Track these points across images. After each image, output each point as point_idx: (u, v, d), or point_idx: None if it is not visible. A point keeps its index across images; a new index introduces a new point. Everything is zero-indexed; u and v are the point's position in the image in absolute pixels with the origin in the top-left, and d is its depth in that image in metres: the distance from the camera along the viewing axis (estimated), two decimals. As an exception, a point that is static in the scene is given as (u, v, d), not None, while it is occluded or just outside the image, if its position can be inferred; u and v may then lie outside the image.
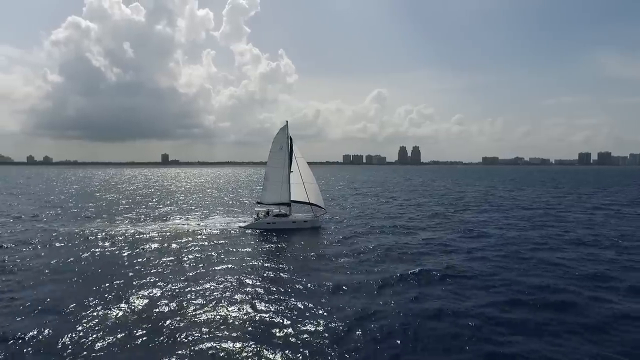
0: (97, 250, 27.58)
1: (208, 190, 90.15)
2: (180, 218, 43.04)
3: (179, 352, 13.40)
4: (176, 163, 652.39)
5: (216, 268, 23.24)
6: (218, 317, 16.17)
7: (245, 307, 17.26)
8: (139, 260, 24.86)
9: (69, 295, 18.57)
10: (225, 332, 14.86)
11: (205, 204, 58.70)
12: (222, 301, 17.89)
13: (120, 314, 16.46)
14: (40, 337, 14.39)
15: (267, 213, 37.94)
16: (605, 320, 16.09)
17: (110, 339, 14.23)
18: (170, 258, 25.29)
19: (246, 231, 35.20)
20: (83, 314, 16.35)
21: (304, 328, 15.20)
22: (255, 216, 38.21)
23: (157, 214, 47.12)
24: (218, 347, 13.73)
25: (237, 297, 18.50)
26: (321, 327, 15.25)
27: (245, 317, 16.19)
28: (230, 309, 17.04)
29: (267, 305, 17.56)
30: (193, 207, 54.29)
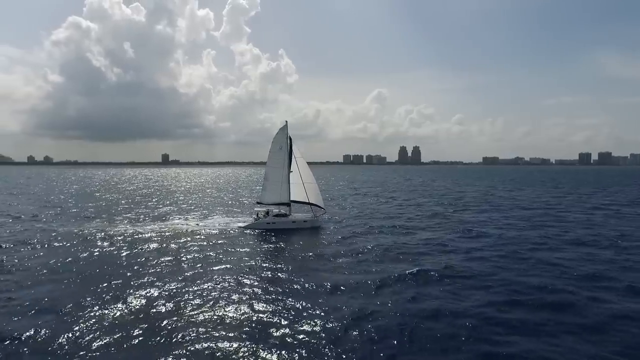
0: (95, 250, 27.60)
1: (208, 191, 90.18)
2: (180, 218, 43.05)
3: (177, 352, 13.39)
4: (176, 163, 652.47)
5: (214, 268, 23.24)
6: (215, 317, 16.17)
7: (242, 307, 17.26)
8: (137, 260, 24.86)
9: (66, 295, 18.58)
10: (223, 332, 14.86)
11: (205, 204, 58.72)
12: (220, 301, 17.89)
13: (118, 314, 16.46)
14: (37, 337, 14.39)
15: (267, 213, 37.95)
16: (603, 320, 16.07)
17: (108, 339, 14.23)
18: (169, 258, 25.29)
19: (246, 231, 35.20)
20: (80, 314, 16.35)
21: (301, 328, 15.19)
22: (255, 216, 38.21)
23: (156, 214, 47.14)
24: (215, 347, 13.73)
25: (235, 297, 18.50)
26: (318, 327, 15.25)
27: (242, 317, 16.19)
28: (227, 309, 17.04)
29: (264, 305, 17.55)
30: (193, 207, 54.31)
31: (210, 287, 19.71)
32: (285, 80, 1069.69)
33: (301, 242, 31.29)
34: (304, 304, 17.57)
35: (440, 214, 47.06)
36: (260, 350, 13.48)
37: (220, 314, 16.49)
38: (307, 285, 20.25)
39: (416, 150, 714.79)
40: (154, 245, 28.94)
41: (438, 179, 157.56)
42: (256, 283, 20.73)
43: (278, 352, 13.40)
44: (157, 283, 20.29)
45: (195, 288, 19.57)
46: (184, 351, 13.44)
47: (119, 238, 31.51)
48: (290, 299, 18.21)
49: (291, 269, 23.40)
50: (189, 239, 31.48)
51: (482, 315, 16.40)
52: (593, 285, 20.22)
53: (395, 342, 14.33)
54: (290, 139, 37.99)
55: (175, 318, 15.99)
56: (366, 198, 70.27)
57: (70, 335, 14.46)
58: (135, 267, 23.20)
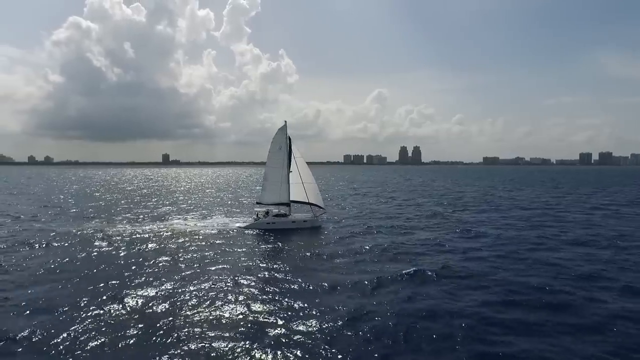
0: (93, 250, 27.62)
1: (208, 191, 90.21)
2: (179, 218, 43.07)
3: (173, 352, 13.40)
4: (177, 163, 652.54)
5: (212, 268, 23.24)
6: (212, 317, 16.18)
7: (239, 307, 17.27)
8: (135, 260, 24.87)
9: (63, 295, 18.59)
10: (219, 332, 14.86)
11: (204, 204, 58.73)
12: (217, 301, 17.89)
13: (115, 314, 16.47)
14: (34, 337, 14.39)
15: (267, 213, 37.96)
16: (600, 321, 16.04)
17: (104, 339, 14.24)
18: (167, 258, 25.30)
19: (245, 231, 35.21)
20: (77, 314, 16.36)
21: (297, 328, 15.20)
22: (254, 216, 38.23)
23: (155, 214, 47.15)
24: (211, 347, 13.74)
25: (232, 297, 18.50)
26: (314, 327, 15.25)
27: (239, 317, 16.20)
28: (224, 309, 17.04)
29: (261, 305, 17.56)
30: (192, 208, 54.32)
31: (207, 287, 19.72)
32: (286, 80, 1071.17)
33: (300, 242, 31.29)
34: (300, 303, 17.58)
35: (439, 214, 47.03)
36: (256, 350, 13.49)
37: (217, 314, 16.50)
38: (304, 285, 20.26)
39: (416, 151, 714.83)
40: (152, 246, 28.96)
41: (438, 179, 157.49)
42: (253, 283, 20.74)
43: (273, 352, 13.40)
44: (154, 283, 20.31)
45: (193, 288, 19.58)
46: (180, 351, 13.45)
47: (118, 238, 31.54)
48: (286, 299, 18.22)
49: (289, 268, 23.41)
50: (187, 239, 31.49)
51: (478, 315, 16.39)
52: (591, 286, 20.20)
53: (390, 342, 14.32)
54: (290, 139, 38.01)
55: (172, 318, 16.00)
56: (366, 198, 70.26)
57: (66, 335, 14.47)
58: (133, 267, 23.22)
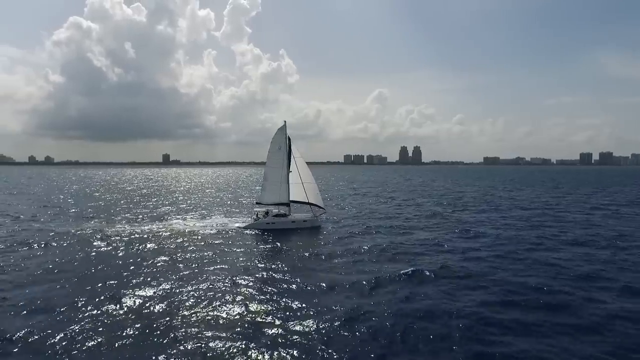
0: (92, 250, 27.62)
1: (208, 191, 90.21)
2: (179, 218, 43.05)
3: (171, 351, 13.39)
4: (177, 163, 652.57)
5: (211, 268, 23.23)
6: (210, 317, 16.17)
7: (237, 307, 17.25)
8: (133, 260, 24.86)
9: (61, 295, 18.58)
10: (217, 332, 14.85)
11: (204, 204, 58.73)
12: (215, 301, 17.88)
13: (113, 314, 16.46)
14: (31, 337, 14.38)
15: (267, 213, 37.94)
16: (598, 321, 16.00)
17: (101, 338, 14.23)
18: (166, 258, 25.29)
19: (245, 231, 35.20)
20: (75, 314, 16.35)
21: (295, 328, 15.18)
22: (254, 216, 38.21)
23: (155, 214, 47.15)
24: (209, 346, 13.72)
25: (230, 297, 18.49)
26: (311, 327, 15.23)
27: (236, 317, 16.19)
28: (222, 308, 17.03)
29: (259, 305, 17.55)
30: (192, 208, 54.32)
31: (205, 287, 19.71)
32: (286, 80, 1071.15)
33: (299, 242, 31.28)
34: (298, 303, 17.57)
35: (438, 214, 47.00)
36: (253, 350, 13.48)
37: (215, 314, 16.48)
38: (302, 285, 20.24)
39: (417, 151, 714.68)
40: (151, 246, 28.95)
41: (438, 179, 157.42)
42: (251, 283, 20.72)
43: (271, 352, 13.39)
44: (152, 283, 20.30)
45: (191, 288, 19.57)
46: (178, 351, 13.43)
47: (117, 238, 31.53)
48: (284, 299, 18.20)
49: (287, 268, 23.39)
50: (186, 239, 31.48)
51: (476, 316, 16.36)
52: (589, 286, 20.16)
53: (388, 342, 14.30)
54: (290, 139, 38.00)
55: (170, 318, 15.99)
56: (365, 198, 70.23)
57: (63, 335, 14.46)
58: (132, 268, 23.21)
